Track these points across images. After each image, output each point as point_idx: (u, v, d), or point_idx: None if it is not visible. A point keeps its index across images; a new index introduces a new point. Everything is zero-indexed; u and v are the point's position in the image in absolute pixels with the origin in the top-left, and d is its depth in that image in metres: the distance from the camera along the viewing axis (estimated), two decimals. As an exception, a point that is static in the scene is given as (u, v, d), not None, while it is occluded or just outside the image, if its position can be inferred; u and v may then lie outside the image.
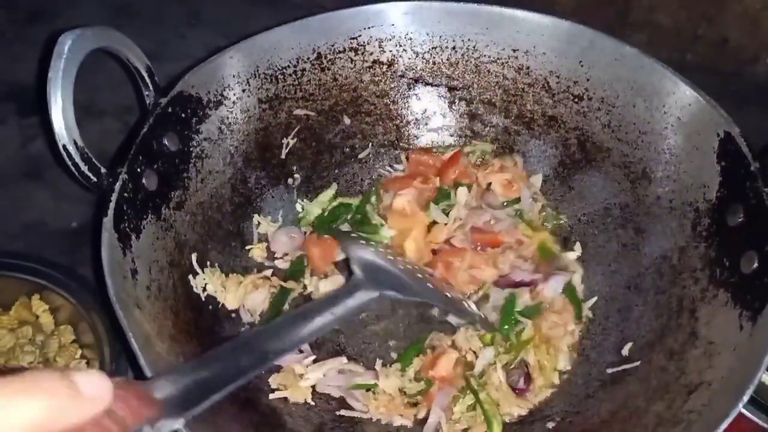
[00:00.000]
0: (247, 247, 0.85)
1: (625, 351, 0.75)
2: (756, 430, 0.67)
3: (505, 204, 0.88)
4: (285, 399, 0.73)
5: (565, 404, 0.74)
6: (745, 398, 0.56)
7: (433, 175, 0.90)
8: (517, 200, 0.88)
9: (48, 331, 0.84)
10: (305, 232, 0.88)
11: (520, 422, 0.73)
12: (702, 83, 0.77)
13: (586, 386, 0.74)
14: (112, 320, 0.80)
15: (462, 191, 0.87)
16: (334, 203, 0.89)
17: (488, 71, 0.89)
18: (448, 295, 0.76)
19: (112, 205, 0.67)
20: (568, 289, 0.81)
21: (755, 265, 0.65)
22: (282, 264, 0.85)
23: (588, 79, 0.84)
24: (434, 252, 0.85)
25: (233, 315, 0.79)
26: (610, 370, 0.74)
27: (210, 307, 0.76)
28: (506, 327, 0.77)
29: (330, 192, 0.91)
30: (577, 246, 0.86)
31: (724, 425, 0.56)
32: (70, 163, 0.65)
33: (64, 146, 0.64)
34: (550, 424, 0.72)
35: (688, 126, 0.77)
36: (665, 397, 0.66)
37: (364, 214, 0.88)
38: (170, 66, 0.90)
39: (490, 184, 0.87)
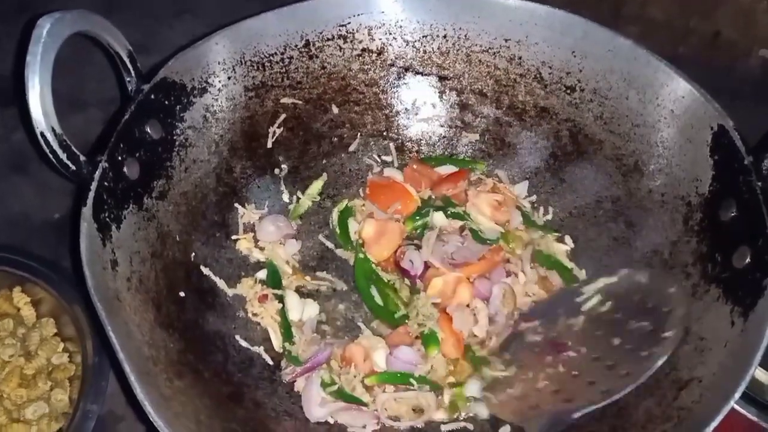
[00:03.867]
0: (234, 237, 0.83)
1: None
2: (746, 423, 0.67)
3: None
4: (270, 394, 0.72)
5: (554, 399, 0.73)
6: (737, 396, 0.56)
7: (425, 186, 0.88)
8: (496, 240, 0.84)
9: (29, 324, 0.83)
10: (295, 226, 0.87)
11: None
12: (694, 77, 0.76)
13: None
14: (93, 313, 0.79)
15: (438, 216, 0.85)
16: (341, 206, 0.88)
17: (480, 61, 0.88)
18: None
19: (91, 194, 0.65)
20: (549, 260, 0.82)
21: (747, 260, 0.65)
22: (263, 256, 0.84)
23: (581, 70, 0.83)
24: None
25: (217, 308, 0.77)
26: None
27: (193, 299, 0.75)
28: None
29: (319, 183, 0.89)
30: (568, 239, 0.85)
31: (715, 423, 0.55)
32: (47, 150, 0.63)
33: (41, 133, 0.62)
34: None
35: (682, 119, 0.76)
36: (655, 393, 0.65)
37: (345, 228, 0.86)
38: (157, 57, 0.88)
39: (462, 228, 0.84)
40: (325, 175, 0.90)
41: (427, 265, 0.81)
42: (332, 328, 0.80)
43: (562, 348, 0.73)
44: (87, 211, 0.64)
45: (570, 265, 0.83)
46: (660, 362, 0.66)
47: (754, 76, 1.13)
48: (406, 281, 0.82)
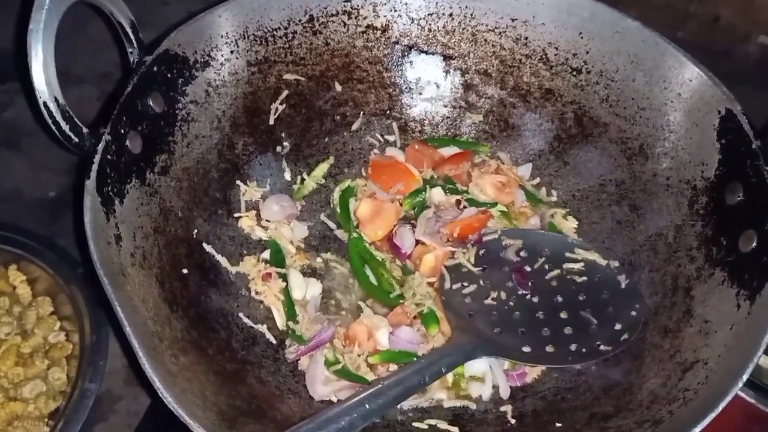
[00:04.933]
0: (236, 215, 0.82)
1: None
2: (743, 405, 0.67)
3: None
4: (274, 372, 0.72)
5: (557, 380, 0.73)
6: (745, 377, 0.56)
7: (428, 167, 0.88)
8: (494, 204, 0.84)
9: (26, 303, 0.82)
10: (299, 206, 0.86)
11: (511, 397, 0.73)
12: (692, 61, 0.76)
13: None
14: (93, 290, 0.78)
15: (436, 191, 0.85)
16: (343, 186, 0.87)
17: (485, 41, 0.87)
18: None
19: (94, 167, 0.64)
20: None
21: (754, 244, 0.65)
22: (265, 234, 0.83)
23: (587, 52, 0.83)
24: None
25: (220, 285, 0.77)
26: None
27: (196, 276, 0.74)
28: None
29: (325, 166, 0.88)
30: (572, 220, 0.85)
31: (723, 404, 0.56)
32: (50, 121, 0.62)
33: (44, 103, 0.61)
34: (542, 401, 0.71)
35: (689, 102, 0.76)
36: (660, 375, 0.65)
37: (346, 209, 0.85)
38: (152, 34, 0.87)
39: (459, 201, 0.84)
40: (331, 158, 0.89)
41: (417, 244, 0.81)
42: (335, 307, 0.79)
43: (524, 282, 0.76)
44: (90, 184, 0.63)
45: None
46: (576, 367, 0.71)
47: (753, 61, 1.13)
48: (398, 262, 0.82)
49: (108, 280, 0.58)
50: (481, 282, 0.77)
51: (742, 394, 0.67)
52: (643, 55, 0.79)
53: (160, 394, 0.55)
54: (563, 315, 0.74)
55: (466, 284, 0.77)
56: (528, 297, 0.76)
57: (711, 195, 0.72)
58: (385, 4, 0.86)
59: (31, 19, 0.60)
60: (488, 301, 0.75)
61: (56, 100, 0.61)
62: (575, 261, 0.78)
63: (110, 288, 0.57)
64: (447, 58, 0.89)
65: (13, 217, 0.89)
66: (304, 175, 0.88)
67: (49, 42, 0.61)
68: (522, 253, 0.79)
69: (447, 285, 0.77)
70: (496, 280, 0.77)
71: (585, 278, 0.77)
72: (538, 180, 0.88)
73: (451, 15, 0.87)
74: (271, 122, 0.86)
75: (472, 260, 0.79)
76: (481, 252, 0.80)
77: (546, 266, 0.78)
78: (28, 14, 0.60)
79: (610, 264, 0.78)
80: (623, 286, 0.76)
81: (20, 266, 0.83)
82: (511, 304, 0.75)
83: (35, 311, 0.80)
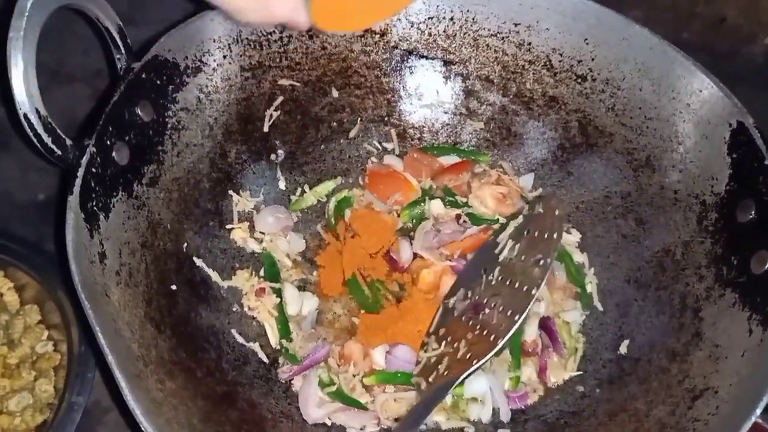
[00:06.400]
0: (228, 227, 0.79)
1: (623, 349, 0.72)
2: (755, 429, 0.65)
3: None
4: (266, 393, 0.69)
5: (560, 403, 0.71)
6: (758, 411, 0.54)
7: (427, 176, 0.85)
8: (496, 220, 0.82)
9: (13, 311, 0.79)
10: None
11: (512, 420, 0.70)
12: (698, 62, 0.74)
13: (582, 384, 0.72)
14: (78, 305, 0.75)
15: (435, 203, 0.82)
16: (339, 196, 0.84)
17: (487, 46, 0.84)
18: None
19: (78, 181, 0.61)
20: (569, 270, 0.79)
21: (767, 266, 0.62)
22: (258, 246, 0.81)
23: (593, 59, 0.80)
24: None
25: (210, 301, 0.74)
26: (607, 368, 0.71)
27: (185, 292, 0.71)
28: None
29: (330, 185, 0.86)
30: (575, 232, 0.82)
31: (736, 439, 0.53)
32: (31, 134, 0.59)
33: (25, 115, 0.58)
34: (544, 425, 0.69)
35: (698, 113, 0.73)
36: (668, 402, 0.63)
37: (342, 218, 0.83)
38: (145, 31, 0.84)
39: (459, 216, 0.82)
40: (339, 179, 0.86)
41: (415, 257, 0.79)
42: (330, 323, 0.77)
43: (480, 308, 0.72)
44: (74, 200, 0.60)
45: (581, 258, 0.81)
46: (534, 293, 0.66)
47: (758, 62, 1.11)
48: (395, 276, 0.79)
49: (90, 305, 0.55)
50: (449, 350, 0.71)
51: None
52: (651, 63, 0.76)
53: (143, 428, 0.52)
54: (517, 283, 0.70)
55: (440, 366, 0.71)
56: (489, 311, 0.71)
57: (721, 211, 0.70)
58: (384, 7, 0.83)
59: (11, 26, 0.57)
60: (461, 353, 0.70)
61: (37, 111, 0.59)
62: (504, 248, 0.75)
63: (92, 313, 0.55)
64: (447, 63, 0.86)
65: (1, 220, 0.87)
66: (305, 189, 0.85)
67: (31, 50, 0.58)
68: (466, 296, 0.75)
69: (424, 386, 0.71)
70: (460, 336, 0.72)
71: (517, 246, 0.74)
72: (540, 191, 0.85)
73: (452, 19, 0.84)
74: (266, 129, 0.83)
75: None
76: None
77: (489, 277, 0.74)
78: (8, 21, 0.58)
79: (523, 213, 0.76)
80: (542, 209, 0.74)
81: (7, 273, 0.81)
82: (477, 332, 0.70)
83: (22, 320, 0.78)
